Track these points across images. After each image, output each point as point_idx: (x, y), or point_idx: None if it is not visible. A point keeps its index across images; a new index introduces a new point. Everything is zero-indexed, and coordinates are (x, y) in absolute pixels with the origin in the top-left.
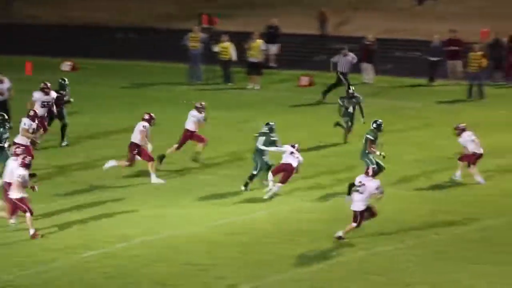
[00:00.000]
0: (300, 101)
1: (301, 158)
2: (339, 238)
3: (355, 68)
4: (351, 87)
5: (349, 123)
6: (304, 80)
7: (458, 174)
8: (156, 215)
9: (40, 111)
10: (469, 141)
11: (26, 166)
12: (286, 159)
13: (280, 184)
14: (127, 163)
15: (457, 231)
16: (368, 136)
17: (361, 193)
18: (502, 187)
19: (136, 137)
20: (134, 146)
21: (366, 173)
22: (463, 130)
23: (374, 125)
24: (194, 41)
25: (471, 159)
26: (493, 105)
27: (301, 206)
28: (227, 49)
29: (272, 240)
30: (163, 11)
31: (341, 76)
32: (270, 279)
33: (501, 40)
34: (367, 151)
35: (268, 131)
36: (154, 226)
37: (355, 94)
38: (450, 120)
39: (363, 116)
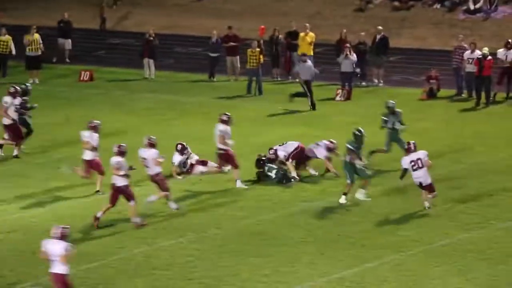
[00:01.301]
0: (81, 95)
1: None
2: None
3: (136, 64)
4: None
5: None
6: (85, 75)
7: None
8: None
9: (14, 116)
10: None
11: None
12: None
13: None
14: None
15: (237, 225)
16: (348, 146)
17: (421, 167)
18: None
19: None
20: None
21: (408, 150)
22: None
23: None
24: None
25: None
26: (271, 100)
27: (78, 201)
28: (7, 42)
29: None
30: None
31: (303, 85)
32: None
33: (278, 37)
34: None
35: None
36: None
37: (396, 110)
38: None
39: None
